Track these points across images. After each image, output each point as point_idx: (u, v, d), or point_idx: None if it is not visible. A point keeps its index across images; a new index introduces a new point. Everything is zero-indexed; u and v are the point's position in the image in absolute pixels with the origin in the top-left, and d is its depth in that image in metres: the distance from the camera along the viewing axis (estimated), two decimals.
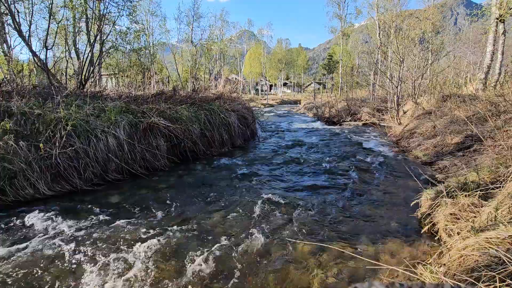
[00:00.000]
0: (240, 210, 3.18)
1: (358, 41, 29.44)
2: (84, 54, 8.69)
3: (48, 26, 6.39)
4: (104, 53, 8.98)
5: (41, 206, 3.23)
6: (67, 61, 8.93)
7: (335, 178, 4.34)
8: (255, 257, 2.31)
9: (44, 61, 6.34)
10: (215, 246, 2.45)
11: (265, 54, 41.48)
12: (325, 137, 8.24)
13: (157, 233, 2.63)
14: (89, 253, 2.32)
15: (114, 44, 10.08)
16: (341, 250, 2.20)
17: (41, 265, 2.16)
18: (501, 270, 1.44)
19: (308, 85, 54.04)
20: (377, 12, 19.23)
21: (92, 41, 7.35)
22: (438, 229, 2.51)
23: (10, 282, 1.97)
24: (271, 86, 51.02)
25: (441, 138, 5.42)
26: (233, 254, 2.35)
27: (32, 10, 6.75)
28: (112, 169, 4.25)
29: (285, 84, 54.27)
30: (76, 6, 9.21)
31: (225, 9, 46.72)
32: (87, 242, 2.49)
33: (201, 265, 2.20)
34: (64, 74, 7.70)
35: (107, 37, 8.91)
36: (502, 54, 9.34)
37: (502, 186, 2.42)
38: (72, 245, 2.43)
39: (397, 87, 9.10)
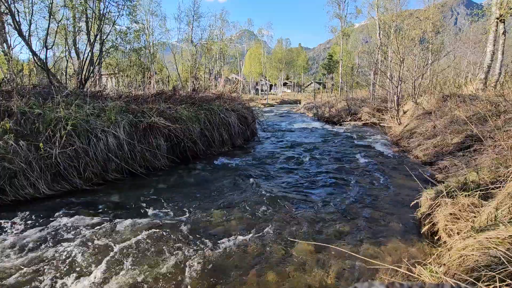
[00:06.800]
0: (240, 210, 3.18)
1: (358, 41, 29.41)
2: (84, 53, 8.71)
3: (48, 26, 6.39)
4: (104, 52, 8.97)
5: (41, 205, 3.23)
6: (67, 60, 8.93)
7: (334, 178, 4.34)
8: (255, 256, 2.31)
9: (44, 60, 6.33)
10: (215, 246, 2.45)
11: (265, 54, 41.49)
12: (325, 137, 8.24)
13: (157, 233, 2.63)
14: (89, 252, 2.32)
15: (114, 43, 10.08)
16: (341, 249, 2.20)
17: (41, 264, 2.16)
18: (501, 270, 1.44)
19: (308, 85, 54.05)
20: (377, 12, 19.22)
21: (92, 40, 7.34)
22: (438, 229, 2.50)
23: (9, 282, 1.97)
24: (271, 86, 51.01)
25: (441, 138, 5.42)
26: (233, 253, 2.35)
27: (32, 9, 6.75)
28: (112, 169, 4.24)
29: (285, 84, 54.27)
30: (76, 5, 9.21)
31: (224, 9, 46.73)
32: (87, 241, 2.48)
33: (201, 264, 2.20)
34: (64, 73, 7.70)
35: (107, 37, 8.91)
36: (502, 54, 9.34)
37: (502, 186, 2.42)
38: (72, 245, 2.43)
39: (397, 87, 9.09)
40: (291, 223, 2.90)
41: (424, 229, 2.60)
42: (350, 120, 11.95)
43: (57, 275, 2.05)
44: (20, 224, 2.79)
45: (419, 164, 5.03)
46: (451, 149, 4.93)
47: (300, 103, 26.18)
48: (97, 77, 8.78)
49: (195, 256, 2.30)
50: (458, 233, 2.17)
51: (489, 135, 4.39)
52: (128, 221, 2.87)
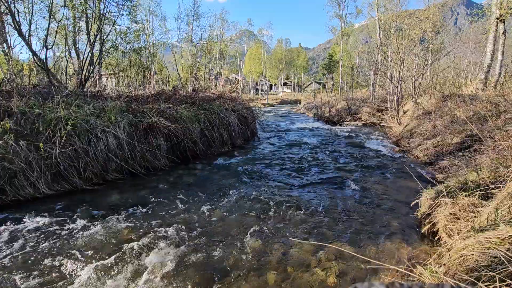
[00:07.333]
0: (240, 210, 3.18)
1: (358, 41, 29.39)
2: (84, 53, 8.71)
3: (48, 26, 6.39)
4: (104, 52, 8.97)
5: (41, 205, 3.23)
6: (67, 60, 8.93)
7: (335, 178, 4.34)
8: (255, 256, 2.31)
9: (44, 60, 6.33)
10: (215, 246, 2.45)
11: (265, 54, 41.49)
12: (325, 137, 8.24)
13: (156, 233, 2.63)
14: (89, 252, 2.32)
15: (114, 43, 10.08)
16: (341, 249, 2.20)
17: (41, 264, 2.16)
18: (501, 270, 1.43)
19: (308, 85, 54.06)
20: (377, 12, 19.22)
21: (92, 40, 7.34)
22: (438, 229, 2.50)
23: (9, 281, 1.97)
24: (271, 86, 51.02)
25: (441, 138, 5.42)
26: (233, 253, 2.35)
27: (32, 9, 6.75)
28: (112, 169, 4.24)
29: (285, 84, 54.28)
30: (76, 5, 9.21)
31: (224, 9, 46.72)
32: (87, 241, 2.48)
33: (201, 264, 2.20)
34: (64, 73, 7.70)
35: (107, 37, 8.91)
36: (502, 54, 9.34)
37: (502, 186, 2.42)
38: (72, 244, 2.43)
39: (397, 87, 9.09)
40: (291, 222, 2.89)
41: (424, 229, 2.60)
42: (350, 120, 11.95)
43: (56, 274, 2.05)
44: (19, 224, 2.78)
45: (419, 164, 5.03)
46: (451, 149, 4.93)
47: (300, 103, 26.18)
48: (97, 77, 8.78)
49: (195, 256, 2.30)
50: (458, 233, 2.17)
51: (489, 135, 4.39)
52: (128, 221, 2.87)
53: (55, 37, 7.44)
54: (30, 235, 2.58)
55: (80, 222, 2.83)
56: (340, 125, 11.53)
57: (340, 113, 12.70)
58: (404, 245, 2.45)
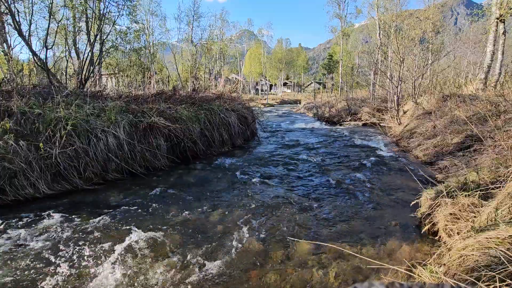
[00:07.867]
0: (240, 210, 3.18)
1: (358, 41, 29.37)
2: (84, 53, 8.71)
3: (48, 26, 6.39)
4: (104, 52, 8.97)
5: (41, 205, 3.23)
6: (67, 60, 8.93)
7: (334, 178, 4.34)
8: (255, 256, 2.31)
9: (44, 60, 6.33)
10: (215, 246, 2.45)
11: (265, 54, 41.49)
12: (325, 137, 8.24)
13: (156, 233, 2.63)
14: (89, 252, 2.32)
15: (114, 43, 10.08)
16: (341, 249, 2.20)
17: (41, 264, 2.16)
18: (501, 270, 1.44)
19: (308, 85, 54.07)
20: (377, 12, 19.21)
21: (92, 40, 7.34)
22: (438, 229, 2.51)
23: (9, 282, 1.97)
24: (271, 86, 51.01)
25: (441, 138, 5.42)
26: (232, 253, 2.35)
27: (32, 9, 6.75)
28: (112, 169, 4.24)
29: (285, 84, 54.28)
30: (76, 5, 9.22)
31: (224, 9, 46.69)
32: (87, 241, 2.48)
33: (200, 264, 2.20)
34: (64, 73, 7.70)
35: (107, 37, 8.91)
36: (502, 54, 9.35)
37: (502, 186, 2.42)
38: (72, 244, 2.43)
39: (397, 87, 9.09)
40: (291, 222, 2.89)
41: (424, 229, 2.60)
42: (350, 120, 11.94)
43: (56, 274, 2.05)
44: (19, 224, 2.78)
45: (419, 164, 5.03)
46: (451, 149, 4.93)
47: (300, 103, 26.18)
48: (97, 77, 8.78)
49: (195, 256, 2.30)
50: (458, 233, 2.17)
51: (489, 135, 4.39)
52: (128, 221, 2.87)
53: (55, 37, 7.44)
54: (30, 235, 2.58)
55: (80, 222, 2.83)
56: (340, 125, 11.53)
57: (340, 113, 12.70)
58: (404, 245, 2.45)
